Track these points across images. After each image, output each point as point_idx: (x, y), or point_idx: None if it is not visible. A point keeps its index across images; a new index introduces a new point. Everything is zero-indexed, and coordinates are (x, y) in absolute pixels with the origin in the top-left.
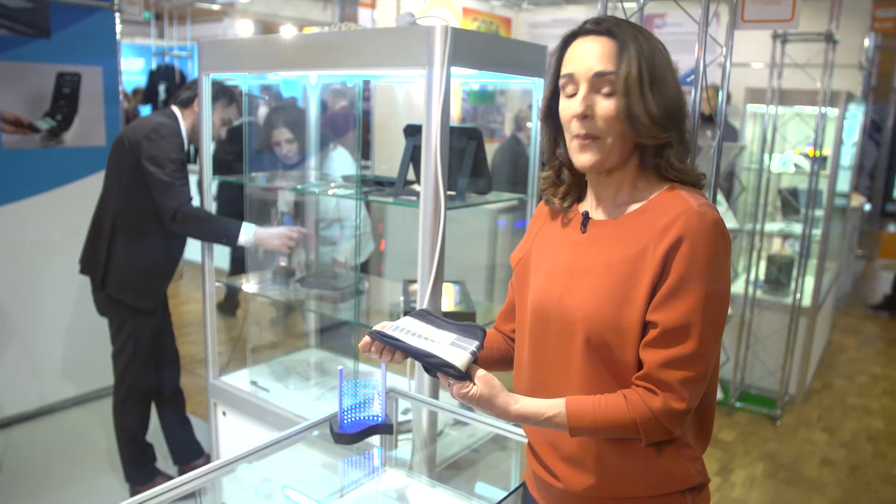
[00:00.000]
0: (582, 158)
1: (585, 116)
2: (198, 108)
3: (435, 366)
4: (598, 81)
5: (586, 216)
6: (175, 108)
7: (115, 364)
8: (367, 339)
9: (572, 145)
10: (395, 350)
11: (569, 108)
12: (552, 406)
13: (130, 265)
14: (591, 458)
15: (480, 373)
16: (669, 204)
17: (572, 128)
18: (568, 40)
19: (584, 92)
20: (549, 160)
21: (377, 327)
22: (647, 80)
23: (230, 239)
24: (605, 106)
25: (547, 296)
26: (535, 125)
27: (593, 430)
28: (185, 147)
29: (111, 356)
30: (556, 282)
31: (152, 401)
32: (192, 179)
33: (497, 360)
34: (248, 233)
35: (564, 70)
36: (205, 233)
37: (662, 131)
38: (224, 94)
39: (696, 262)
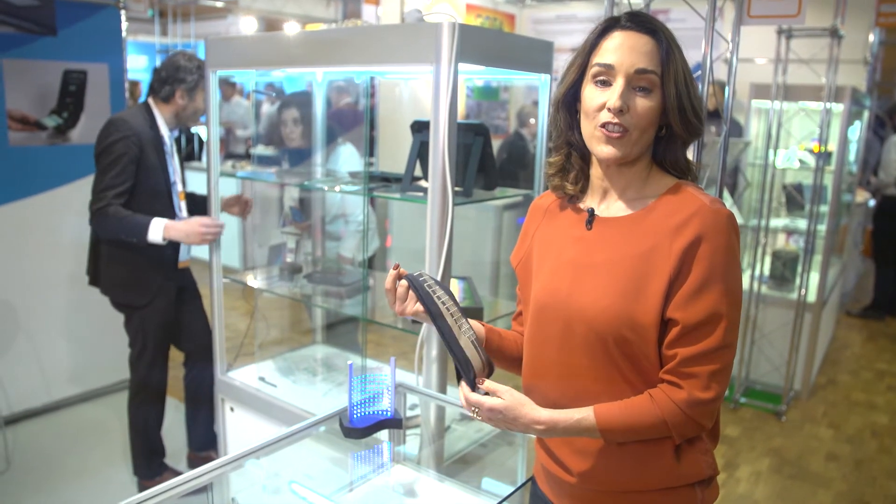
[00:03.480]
0: (605, 150)
1: (621, 111)
2: (182, 100)
3: (456, 356)
4: (637, 78)
5: (592, 213)
6: (151, 102)
7: (129, 356)
8: (400, 279)
9: (596, 135)
10: (417, 304)
11: (599, 97)
12: (580, 412)
13: (115, 262)
14: (605, 453)
15: (504, 388)
16: (681, 201)
17: (601, 117)
18: (606, 30)
19: (622, 86)
20: (559, 146)
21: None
22: (688, 84)
23: (140, 237)
24: (642, 103)
25: (553, 293)
26: (542, 119)
27: (625, 432)
28: (170, 130)
29: (128, 346)
30: (561, 279)
31: (166, 395)
32: (196, 175)
33: (515, 352)
34: (157, 229)
35: (601, 59)
36: (115, 232)
37: (701, 124)
38: (203, 77)
39: (717, 260)
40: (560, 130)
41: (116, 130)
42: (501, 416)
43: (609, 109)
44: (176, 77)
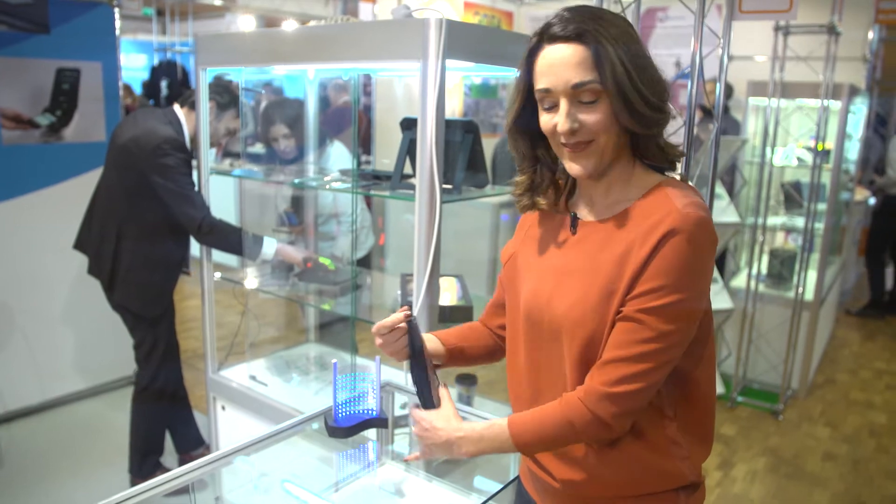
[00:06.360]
0: (575, 168)
1: (573, 131)
2: (210, 115)
3: (424, 403)
4: (576, 93)
5: (575, 218)
6: (178, 109)
7: (136, 355)
8: (401, 322)
9: (563, 154)
10: (405, 350)
11: (550, 121)
12: (498, 423)
13: (135, 273)
14: (583, 455)
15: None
16: (656, 204)
17: (559, 139)
18: (535, 48)
19: (566, 107)
20: (523, 167)
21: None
22: (635, 72)
23: (253, 253)
24: (591, 116)
25: (537, 299)
26: None
27: (537, 441)
28: (189, 149)
29: (133, 347)
30: (545, 285)
31: (172, 396)
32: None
33: (481, 355)
34: (270, 247)
35: (539, 85)
36: (229, 244)
37: (662, 114)
38: (235, 104)
39: (671, 265)
40: (522, 153)
41: (175, 148)
42: (431, 425)
43: (560, 133)
44: (212, 90)
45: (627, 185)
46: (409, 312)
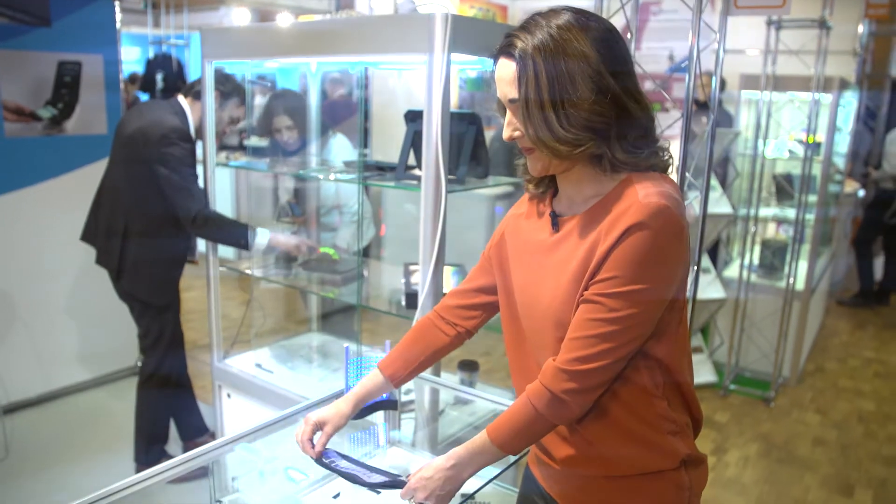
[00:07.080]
0: (529, 167)
1: (513, 139)
2: (214, 103)
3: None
4: (512, 107)
5: (554, 214)
6: (183, 100)
7: (140, 345)
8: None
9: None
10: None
11: None
12: (479, 435)
13: (143, 263)
14: (577, 433)
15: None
16: (623, 196)
17: None
18: (496, 58)
19: (508, 116)
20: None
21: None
22: (549, 101)
23: (246, 244)
24: (525, 128)
25: (524, 296)
26: None
27: (513, 435)
28: (194, 139)
29: (137, 337)
30: (532, 279)
31: (176, 384)
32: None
33: (430, 363)
34: (263, 238)
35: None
36: (223, 236)
37: (575, 147)
38: (238, 92)
39: (630, 255)
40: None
41: (181, 138)
42: (423, 478)
43: (506, 139)
44: (214, 80)
45: (597, 182)
46: (317, 452)
